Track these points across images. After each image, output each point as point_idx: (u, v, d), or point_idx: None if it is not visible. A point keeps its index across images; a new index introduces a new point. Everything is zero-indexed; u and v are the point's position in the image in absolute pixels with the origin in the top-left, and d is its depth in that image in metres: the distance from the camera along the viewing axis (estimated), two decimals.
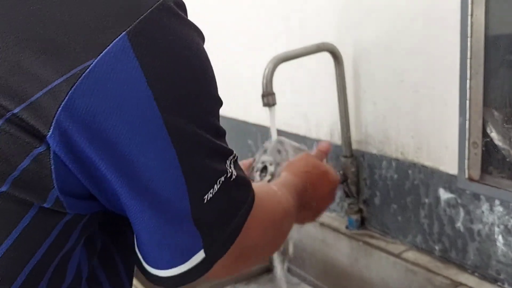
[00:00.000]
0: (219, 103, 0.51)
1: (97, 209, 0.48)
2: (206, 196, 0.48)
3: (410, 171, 1.05)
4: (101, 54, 0.41)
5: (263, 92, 1.03)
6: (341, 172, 1.16)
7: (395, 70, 1.04)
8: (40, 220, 0.44)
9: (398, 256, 1.06)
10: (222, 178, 0.49)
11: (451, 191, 0.98)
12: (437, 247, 1.04)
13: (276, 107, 1.04)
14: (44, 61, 0.41)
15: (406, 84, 1.03)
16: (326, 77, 1.18)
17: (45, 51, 0.41)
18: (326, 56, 1.11)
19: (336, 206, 1.26)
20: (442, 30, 0.92)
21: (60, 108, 0.41)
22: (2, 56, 0.41)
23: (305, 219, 0.85)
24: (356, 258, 1.15)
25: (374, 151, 1.13)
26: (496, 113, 0.81)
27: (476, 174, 0.85)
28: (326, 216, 1.26)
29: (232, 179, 0.51)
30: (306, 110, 1.30)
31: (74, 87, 0.41)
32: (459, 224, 0.98)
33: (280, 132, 1.38)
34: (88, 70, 0.41)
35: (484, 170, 0.84)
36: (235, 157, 0.53)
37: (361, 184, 1.17)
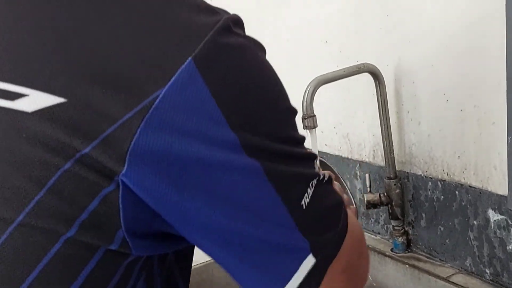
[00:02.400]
0: (293, 112, 0.49)
1: (161, 250, 0.47)
2: (303, 202, 0.45)
3: (457, 192, 1.03)
4: (169, 83, 0.40)
5: (304, 114, 1.02)
6: (384, 193, 1.14)
7: (439, 90, 1.02)
8: (105, 264, 0.43)
9: (446, 279, 1.03)
10: (315, 181, 0.47)
11: (501, 213, 0.94)
12: (488, 271, 1.00)
13: (318, 129, 1.03)
14: (112, 97, 0.40)
15: (451, 103, 1.00)
16: (367, 97, 1.17)
17: (112, 86, 0.40)
18: (367, 77, 1.10)
19: (380, 229, 1.24)
20: (487, 47, 0.90)
21: (132, 142, 0.39)
22: (71, 95, 0.40)
23: None
24: (402, 282, 1.12)
25: (419, 172, 1.10)
26: None
27: None
28: (371, 239, 1.23)
29: (325, 180, 0.49)
30: (347, 131, 1.28)
31: (144, 120, 0.40)
32: (511, 246, 0.94)
33: (321, 154, 1.37)
34: (157, 100, 0.40)
35: None
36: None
37: (406, 206, 1.14)
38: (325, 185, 0.49)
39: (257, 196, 0.44)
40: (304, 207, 0.46)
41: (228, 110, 0.42)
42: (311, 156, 0.50)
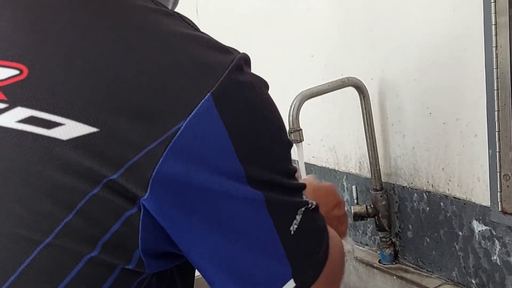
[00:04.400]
0: (290, 146, 0.53)
1: (170, 266, 0.51)
2: (291, 228, 0.49)
3: (442, 203, 1.04)
4: (191, 115, 0.43)
5: (290, 128, 1.03)
6: (371, 205, 1.15)
7: (423, 103, 1.04)
8: (120, 282, 0.45)
9: None
10: (303, 209, 0.51)
11: (485, 223, 0.96)
12: (474, 281, 1.01)
13: (305, 141, 1.04)
14: (138, 127, 0.42)
15: (434, 116, 1.02)
16: (353, 111, 1.18)
17: (138, 117, 0.43)
18: (353, 90, 1.12)
19: (368, 240, 1.25)
20: (468, 62, 0.92)
21: (155, 170, 0.42)
22: (102, 125, 0.42)
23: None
24: None
25: (405, 184, 1.12)
26: None
27: (510, 207, 0.83)
28: (359, 251, 1.24)
29: (312, 208, 0.52)
30: (334, 143, 1.30)
31: (167, 149, 0.42)
32: (495, 257, 0.96)
33: (309, 166, 1.38)
34: (179, 132, 0.43)
35: None
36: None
37: (393, 217, 1.16)
38: (311, 212, 0.52)
39: (255, 223, 0.47)
40: (292, 233, 0.49)
41: (238, 144, 0.45)
42: (302, 186, 0.53)
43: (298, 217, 0.50)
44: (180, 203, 0.44)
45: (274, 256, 0.48)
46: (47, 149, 0.42)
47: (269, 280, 0.49)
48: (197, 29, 0.51)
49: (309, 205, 0.52)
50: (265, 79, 0.53)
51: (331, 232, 0.56)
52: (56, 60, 0.44)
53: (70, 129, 0.42)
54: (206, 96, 0.44)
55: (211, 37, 0.50)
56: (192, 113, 0.43)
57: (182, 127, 0.43)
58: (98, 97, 0.43)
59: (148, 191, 0.43)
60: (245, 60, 0.50)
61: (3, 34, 0.45)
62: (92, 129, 0.42)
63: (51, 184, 0.42)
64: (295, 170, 0.53)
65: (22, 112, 0.41)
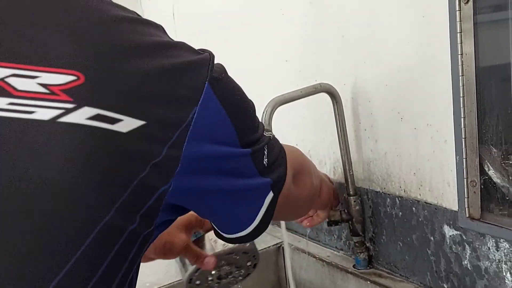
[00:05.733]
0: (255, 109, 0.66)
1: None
2: (264, 161, 0.63)
3: (414, 208, 1.04)
4: (200, 101, 0.53)
5: None
6: (345, 210, 1.15)
7: (393, 108, 1.04)
8: (130, 240, 0.52)
9: None
10: (267, 144, 0.64)
11: (456, 228, 0.96)
12: (446, 286, 1.02)
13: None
14: (169, 112, 0.52)
15: (406, 121, 1.03)
16: (326, 116, 1.18)
17: (168, 103, 0.52)
18: (326, 96, 1.12)
19: (343, 245, 1.25)
20: (437, 68, 0.92)
21: (183, 148, 0.52)
22: (146, 117, 0.50)
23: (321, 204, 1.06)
24: None
25: (378, 189, 1.12)
26: (494, 150, 0.81)
27: (477, 212, 0.84)
28: (334, 255, 1.24)
29: (271, 138, 0.66)
30: (309, 148, 1.30)
31: (190, 130, 0.52)
32: (466, 262, 0.96)
33: None
34: (195, 115, 0.53)
35: (485, 208, 0.83)
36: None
37: (367, 222, 1.16)
38: (272, 141, 0.66)
39: (243, 170, 0.61)
40: (266, 164, 0.64)
41: (233, 118, 0.58)
42: (263, 128, 0.66)
43: (265, 151, 0.64)
44: (195, 173, 0.55)
45: (257, 181, 0.63)
46: (113, 140, 0.49)
47: (256, 198, 0.64)
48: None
49: (270, 138, 0.66)
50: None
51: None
52: (101, 64, 0.50)
53: (127, 123, 0.49)
54: (206, 84, 0.54)
55: (185, 43, 0.59)
56: (201, 99, 0.53)
57: (196, 111, 0.53)
58: (138, 92, 0.51)
59: (179, 167, 0.52)
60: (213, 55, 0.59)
61: (44, 42, 0.50)
62: (141, 122, 0.50)
63: (114, 165, 0.49)
64: (260, 122, 0.66)
65: (90, 111, 0.48)
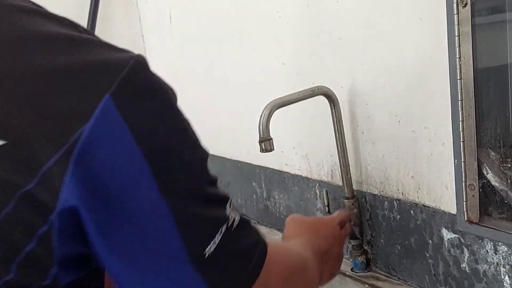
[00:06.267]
0: (206, 153, 0.50)
1: (86, 272, 0.48)
2: (207, 250, 0.45)
3: (412, 211, 1.04)
4: (91, 119, 0.41)
5: (260, 138, 1.03)
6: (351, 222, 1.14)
7: (391, 111, 1.04)
8: None
9: None
10: (224, 227, 0.47)
11: (454, 231, 0.96)
12: None
13: (278, 149, 1.04)
14: (44, 135, 0.41)
15: (403, 124, 1.02)
16: (324, 118, 1.18)
17: (42, 122, 0.41)
18: (323, 99, 1.11)
19: None
20: (434, 71, 0.92)
21: (64, 179, 0.41)
22: (9, 136, 0.41)
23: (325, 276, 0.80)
24: None
25: (375, 192, 1.12)
26: (492, 154, 0.81)
27: (475, 216, 0.83)
28: None
29: (235, 225, 0.49)
30: (306, 151, 1.29)
31: (73, 155, 0.41)
32: (464, 265, 0.96)
33: (282, 173, 1.38)
34: (82, 137, 0.41)
35: (483, 211, 0.83)
36: (232, 202, 0.51)
37: (364, 225, 1.16)
38: (235, 230, 0.48)
39: (163, 242, 0.45)
40: (206, 256, 0.46)
41: (145, 146, 0.43)
42: (224, 197, 0.50)
43: (217, 237, 0.46)
44: (90, 213, 0.42)
45: (184, 274, 0.46)
46: None
47: None
48: (89, 32, 0.49)
49: (230, 222, 0.48)
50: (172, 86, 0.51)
51: (279, 246, 0.56)
52: None
53: None
54: (105, 98, 0.42)
55: (103, 40, 0.48)
56: (93, 117, 0.41)
57: (85, 132, 0.41)
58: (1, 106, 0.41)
59: (59, 200, 0.41)
60: (145, 60, 0.47)
61: None
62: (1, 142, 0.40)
63: None
64: (215, 179, 0.49)
65: None
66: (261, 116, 1.03)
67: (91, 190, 0.42)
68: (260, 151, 1.04)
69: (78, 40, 0.46)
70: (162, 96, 0.46)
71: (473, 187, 0.82)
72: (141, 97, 0.44)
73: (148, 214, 0.44)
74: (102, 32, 1.85)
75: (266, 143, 1.03)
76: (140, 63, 0.45)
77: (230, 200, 0.50)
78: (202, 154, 0.49)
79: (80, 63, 0.44)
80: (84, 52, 0.44)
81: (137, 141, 0.43)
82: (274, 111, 1.04)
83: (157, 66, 1.65)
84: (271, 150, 1.04)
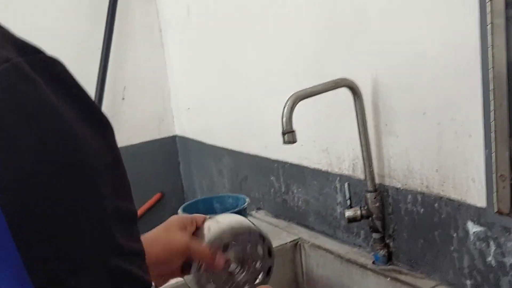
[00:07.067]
0: (127, 210, 0.39)
1: None
2: None
3: (436, 205, 1.03)
4: None
5: (283, 130, 1.02)
6: (365, 207, 1.14)
7: (416, 103, 1.03)
8: None
9: None
10: None
11: (480, 224, 0.95)
12: (468, 282, 1.01)
13: (297, 143, 1.03)
14: None
15: (428, 116, 1.01)
16: (345, 112, 1.17)
17: None
18: (346, 91, 1.11)
19: (362, 242, 1.24)
20: (463, 61, 0.91)
21: None
22: None
23: None
24: None
25: (398, 185, 1.11)
26: None
27: (506, 207, 0.82)
28: (353, 252, 1.23)
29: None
30: (327, 145, 1.29)
31: None
32: (490, 258, 0.95)
33: (301, 168, 1.37)
34: None
35: None
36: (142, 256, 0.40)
37: (387, 219, 1.15)
38: None
39: None
40: None
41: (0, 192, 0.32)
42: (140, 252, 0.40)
43: None
44: None
45: None
46: None
47: None
48: None
49: None
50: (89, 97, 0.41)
51: None
52: None
53: None
54: None
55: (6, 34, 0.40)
56: None
57: None
58: None
59: None
60: (35, 61, 0.37)
61: None
62: None
63: None
64: (130, 215, 0.39)
65: None
66: (284, 107, 1.02)
67: None
68: (283, 143, 1.03)
69: None
70: (30, 109, 0.34)
71: (504, 178, 0.81)
72: (8, 118, 0.33)
73: None
74: (121, 25, 1.86)
75: (289, 135, 1.03)
76: (16, 71, 0.35)
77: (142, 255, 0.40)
78: (94, 177, 0.36)
79: None
80: None
81: None
82: (298, 103, 1.04)
83: (175, 62, 1.68)
84: (294, 142, 1.03)
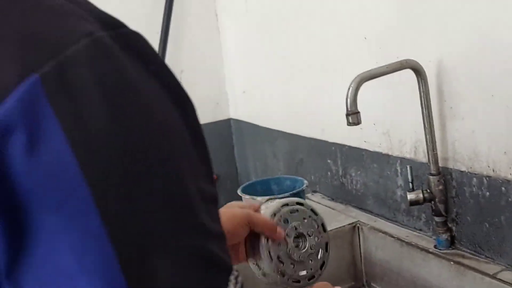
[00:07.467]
0: (209, 192, 0.39)
1: None
2: None
3: (503, 188, 1.02)
4: (7, 99, 0.31)
5: (347, 111, 1.02)
6: (427, 190, 1.13)
7: (484, 86, 1.01)
8: None
9: (493, 276, 1.02)
10: None
11: None
12: None
13: (357, 126, 1.03)
14: None
15: (496, 99, 1.00)
16: (408, 94, 1.16)
17: None
18: (408, 73, 1.10)
19: (423, 226, 1.23)
20: None
21: None
22: None
23: None
24: (447, 279, 1.11)
25: (463, 168, 1.10)
26: None
27: None
28: (413, 236, 1.23)
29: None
30: (388, 127, 1.28)
31: None
32: None
33: (360, 150, 1.37)
34: None
35: None
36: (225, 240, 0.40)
37: (450, 203, 1.14)
38: None
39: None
40: None
41: (85, 160, 0.32)
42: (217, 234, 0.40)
43: None
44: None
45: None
46: None
47: None
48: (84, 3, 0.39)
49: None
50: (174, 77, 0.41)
51: None
52: None
53: None
54: (32, 78, 0.31)
55: (87, 7, 0.38)
56: (10, 97, 0.30)
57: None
58: None
59: None
60: (119, 35, 0.36)
61: None
62: None
63: None
64: (213, 198, 0.39)
65: None
66: (348, 89, 1.03)
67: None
68: (347, 124, 1.03)
69: (44, 6, 0.36)
70: (119, 88, 0.34)
71: None
72: (85, 90, 0.33)
73: (76, 245, 0.32)
74: (178, 10, 1.88)
75: (353, 116, 1.03)
76: (99, 42, 0.34)
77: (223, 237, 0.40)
78: (185, 164, 0.37)
79: (19, 31, 0.33)
80: (38, 19, 0.34)
81: (76, 153, 0.31)
82: (362, 84, 1.04)
83: (230, 46, 1.70)
84: (358, 124, 1.03)
